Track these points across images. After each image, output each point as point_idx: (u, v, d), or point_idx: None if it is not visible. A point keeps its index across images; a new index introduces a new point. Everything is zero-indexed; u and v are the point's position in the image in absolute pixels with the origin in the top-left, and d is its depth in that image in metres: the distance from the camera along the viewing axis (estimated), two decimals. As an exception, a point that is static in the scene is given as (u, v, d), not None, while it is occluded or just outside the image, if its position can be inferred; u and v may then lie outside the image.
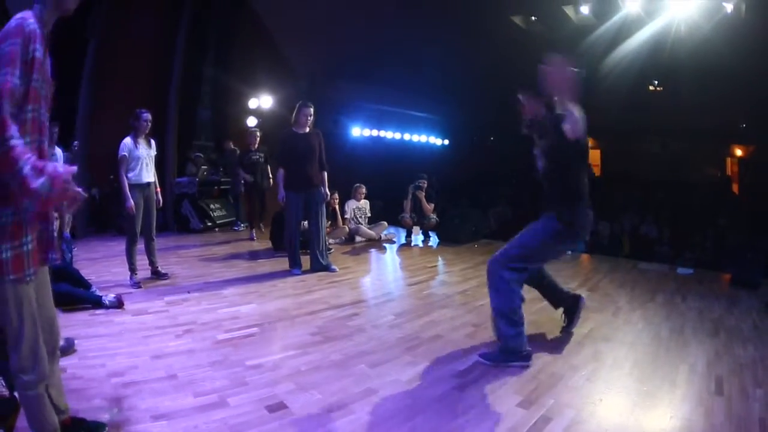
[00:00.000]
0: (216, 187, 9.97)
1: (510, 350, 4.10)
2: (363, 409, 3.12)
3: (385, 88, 13.06)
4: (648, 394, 3.77)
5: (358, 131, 13.84)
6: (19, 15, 2.03)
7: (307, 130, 6.78)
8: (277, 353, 3.86)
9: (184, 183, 9.17)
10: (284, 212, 7.00)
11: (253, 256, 7.73)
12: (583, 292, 6.53)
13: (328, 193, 7.05)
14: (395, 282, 6.84)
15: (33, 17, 2.07)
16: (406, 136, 15.13)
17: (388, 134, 14.69)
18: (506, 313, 4.08)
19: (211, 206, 9.56)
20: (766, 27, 8.58)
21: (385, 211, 11.08)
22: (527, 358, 4.12)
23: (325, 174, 6.92)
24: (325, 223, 7.14)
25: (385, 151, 14.38)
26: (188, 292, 5.33)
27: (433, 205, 10.09)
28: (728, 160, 17.55)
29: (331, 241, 9.05)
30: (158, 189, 6.01)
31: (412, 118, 14.96)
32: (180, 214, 9.15)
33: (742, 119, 14.64)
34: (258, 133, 9.17)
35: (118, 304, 4.66)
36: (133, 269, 5.68)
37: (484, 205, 13.69)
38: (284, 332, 4.40)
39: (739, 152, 17.02)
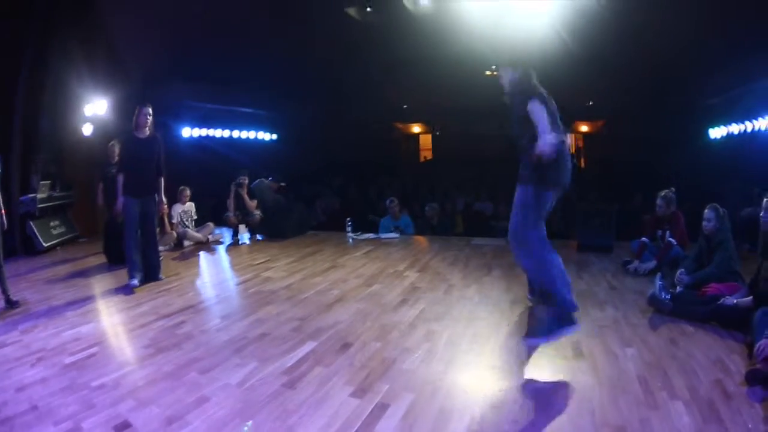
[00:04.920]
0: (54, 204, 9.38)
1: (564, 316, 4.01)
2: (198, 418, 3.17)
3: (214, 86, 12.85)
4: (494, 368, 3.80)
5: (188, 131, 13.53)
6: None
7: (147, 132, 6.57)
8: (116, 371, 3.86)
9: (26, 201, 8.74)
10: (122, 218, 6.69)
11: (90, 273, 7.44)
12: (412, 274, 6.83)
13: (165, 199, 6.92)
14: (221, 284, 6.82)
15: None
16: (235, 134, 14.96)
17: (217, 132, 14.44)
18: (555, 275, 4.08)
19: (51, 224, 9.18)
20: (621, 12, 8.89)
21: (216, 210, 11.16)
22: (576, 319, 4.06)
23: (162, 180, 6.74)
24: (156, 230, 6.98)
25: (215, 149, 14.17)
26: (37, 318, 5.22)
27: (255, 201, 10.27)
28: (573, 136, 18.22)
29: (161, 248, 8.62)
30: (3, 211, 5.68)
31: (241, 115, 14.80)
32: (26, 235, 8.72)
33: (589, 98, 15.14)
34: (117, 147, 8.51)
35: None
36: None
37: (312, 197, 13.89)
38: (120, 348, 4.41)
39: (584, 128, 17.81)
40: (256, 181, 10.70)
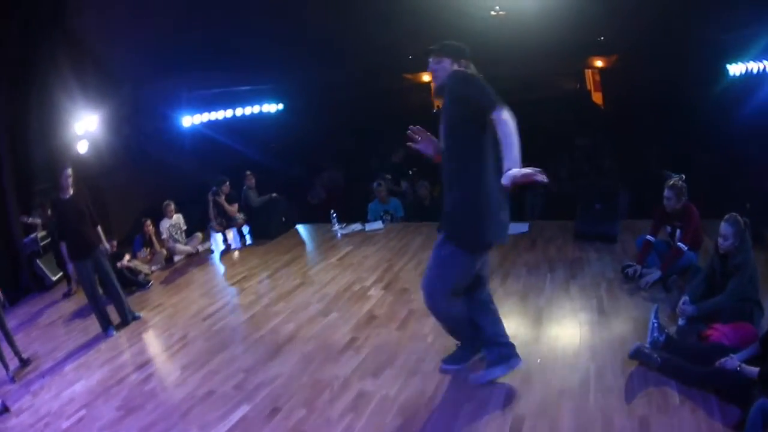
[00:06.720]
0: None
1: (503, 355, 4.03)
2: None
3: (213, 72, 13.23)
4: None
5: (189, 120, 14.10)
6: None
7: (71, 191, 6.88)
8: (95, 438, 4.44)
9: (29, 243, 9.52)
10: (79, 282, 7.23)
11: (88, 310, 7.79)
12: (376, 293, 6.79)
13: (107, 246, 7.37)
14: (193, 318, 7.25)
15: None
16: (239, 111, 15.34)
17: (220, 114, 14.93)
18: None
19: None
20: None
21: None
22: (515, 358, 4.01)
23: (99, 229, 7.18)
24: (115, 278, 7.40)
25: (217, 139, 14.70)
26: (43, 377, 6.08)
27: (236, 204, 10.87)
28: (588, 72, 18.26)
29: (153, 268, 9.71)
30: None
31: (244, 93, 15.30)
32: (36, 275, 9.61)
33: (600, 32, 14.99)
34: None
35: (5, 409, 5.30)
36: (5, 365, 6.13)
37: (316, 172, 14.62)
38: (101, 410, 5.08)
39: (599, 63, 17.58)
40: (243, 193, 11.48)
